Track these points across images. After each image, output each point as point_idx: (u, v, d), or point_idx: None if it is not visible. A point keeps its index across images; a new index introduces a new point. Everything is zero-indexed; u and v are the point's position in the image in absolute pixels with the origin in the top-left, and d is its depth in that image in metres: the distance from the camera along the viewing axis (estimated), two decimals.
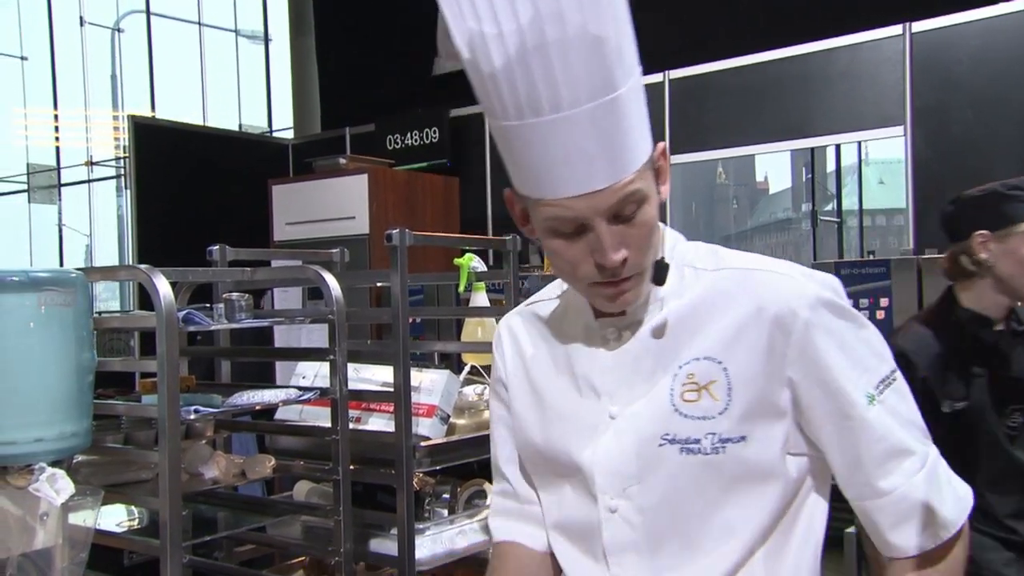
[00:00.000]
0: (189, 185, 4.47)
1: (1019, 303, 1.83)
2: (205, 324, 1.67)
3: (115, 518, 2.01)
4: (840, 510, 1.05)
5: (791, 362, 0.92)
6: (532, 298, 1.14)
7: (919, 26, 3.20)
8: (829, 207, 8.16)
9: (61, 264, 9.47)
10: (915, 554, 0.94)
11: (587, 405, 0.99)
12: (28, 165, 10.66)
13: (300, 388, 1.93)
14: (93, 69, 9.69)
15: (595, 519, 0.98)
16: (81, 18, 9.55)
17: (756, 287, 0.94)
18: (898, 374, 0.96)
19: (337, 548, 1.84)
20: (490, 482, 2.23)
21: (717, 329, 0.94)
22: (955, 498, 0.95)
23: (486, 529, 2.15)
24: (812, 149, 6.36)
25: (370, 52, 5.14)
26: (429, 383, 2.07)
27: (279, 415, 2.19)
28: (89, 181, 9.97)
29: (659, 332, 0.96)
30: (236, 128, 8.23)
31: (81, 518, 1.40)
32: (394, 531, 1.96)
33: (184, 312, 1.65)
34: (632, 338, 0.98)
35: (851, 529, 2.73)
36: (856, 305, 2.85)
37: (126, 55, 9.61)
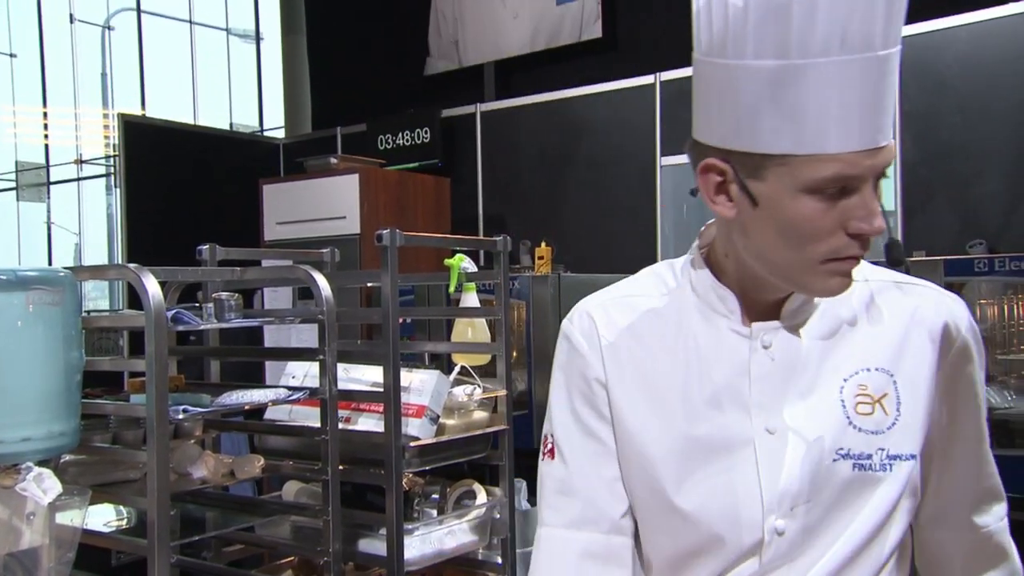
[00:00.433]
0: (179, 184, 4.45)
1: None
2: (194, 324, 1.67)
3: (103, 518, 2.00)
4: None
5: (945, 378, 0.91)
6: (618, 291, 0.99)
7: (908, 30, 3.21)
8: None
9: (50, 263, 9.42)
10: None
11: (731, 419, 0.89)
12: (17, 163, 10.60)
13: (289, 388, 1.93)
14: (83, 67, 9.65)
15: (741, 545, 0.88)
16: (71, 15, 9.51)
17: (916, 300, 0.92)
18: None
19: (326, 548, 1.84)
20: (480, 482, 2.25)
21: (882, 339, 0.90)
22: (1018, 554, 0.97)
23: (475, 529, 2.16)
24: None
25: (362, 52, 5.14)
26: (419, 383, 2.07)
27: (268, 415, 2.19)
28: (79, 179, 9.92)
29: (817, 340, 0.90)
30: (227, 127, 8.21)
31: (68, 518, 1.39)
32: (383, 531, 1.97)
33: (173, 311, 1.65)
34: (789, 344, 0.90)
35: None
36: None
37: (116, 53, 9.57)
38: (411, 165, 4.35)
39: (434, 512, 2.11)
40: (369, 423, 2.07)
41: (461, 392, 2.16)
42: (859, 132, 0.77)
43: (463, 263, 2.28)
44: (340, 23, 5.31)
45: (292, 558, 2.24)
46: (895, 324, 0.91)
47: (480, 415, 2.21)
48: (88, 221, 10.06)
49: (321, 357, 1.87)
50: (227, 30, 9.52)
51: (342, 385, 2.04)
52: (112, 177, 9.45)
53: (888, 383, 0.89)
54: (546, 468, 0.98)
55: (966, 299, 2.85)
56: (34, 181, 10.34)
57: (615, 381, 0.94)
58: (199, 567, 2.05)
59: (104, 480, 1.79)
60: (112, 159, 9.14)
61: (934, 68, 3.16)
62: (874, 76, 0.77)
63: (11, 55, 10.48)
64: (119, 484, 1.82)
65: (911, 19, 3.14)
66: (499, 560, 2.22)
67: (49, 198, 10.23)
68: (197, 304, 1.82)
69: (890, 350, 0.90)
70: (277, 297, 4.04)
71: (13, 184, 10.60)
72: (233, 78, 9.41)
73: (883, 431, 0.88)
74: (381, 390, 1.97)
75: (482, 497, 2.18)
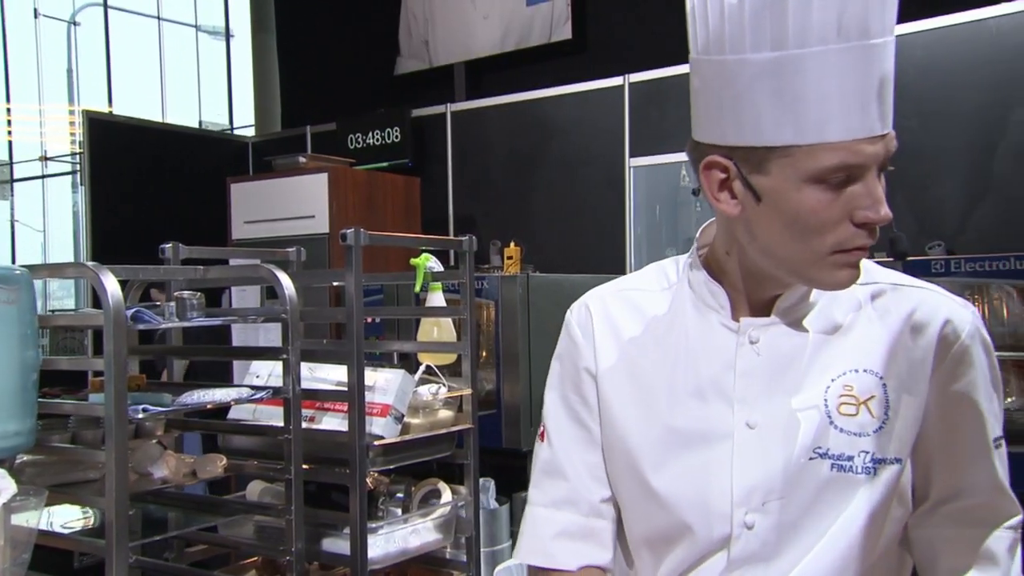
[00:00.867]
0: (146, 182, 4.41)
1: None
2: (155, 322, 1.66)
3: (66, 519, 1.98)
4: None
5: (938, 383, 0.89)
6: (621, 284, 1.01)
7: None
8: None
9: (13, 261, 9.25)
10: None
11: (714, 412, 0.90)
12: None
13: (252, 387, 1.92)
14: (49, 63, 9.49)
15: (714, 535, 0.89)
16: (35, 10, 9.34)
17: (914, 303, 0.89)
18: (1004, 443, 0.93)
19: (288, 547, 1.84)
20: (445, 481, 2.25)
21: (874, 341, 0.89)
22: (1019, 573, 0.92)
23: (440, 528, 2.17)
24: None
25: (332, 51, 5.12)
26: (384, 382, 2.07)
27: (232, 415, 2.18)
28: (43, 177, 9.76)
29: (807, 339, 0.89)
30: (196, 125, 8.12)
31: (24, 519, 1.38)
32: (347, 530, 1.97)
33: (133, 310, 1.63)
34: (778, 342, 0.90)
35: None
36: None
37: (83, 49, 9.42)
38: (381, 164, 4.35)
39: (399, 511, 2.12)
40: (333, 422, 2.07)
41: (426, 391, 2.16)
42: (860, 120, 0.78)
43: (429, 263, 2.29)
44: (310, 22, 5.29)
45: (256, 558, 2.23)
46: (890, 326, 0.89)
47: (445, 414, 2.21)
48: (54, 219, 9.90)
49: (284, 356, 1.87)
50: (196, 27, 9.41)
51: (307, 384, 2.04)
52: (78, 175, 9.30)
53: (877, 385, 0.88)
54: (537, 450, 1.02)
55: None
56: None
57: (604, 371, 0.96)
58: (161, 568, 2.03)
59: (63, 480, 1.77)
60: (78, 156, 9.00)
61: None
62: (871, 64, 0.77)
63: None
64: (79, 484, 1.80)
65: None
66: (464, 558, 2.23)
67: (13, 195, 10.04)
68: (157, 303, 1.81)
69: (882, 352, 0.88)
70: (245, 296, 4.02)
71: None
72: (203, 76, 9.32)
73: (868, 433, 0.87)
74: (345, 389, 1.97)
75: (447, 496, 2.19)
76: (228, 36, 8.11)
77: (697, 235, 1.00)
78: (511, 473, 3.16)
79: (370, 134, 4.43)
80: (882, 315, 0.90)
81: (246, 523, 2.14)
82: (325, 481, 2.06)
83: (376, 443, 1.98)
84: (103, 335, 1.52)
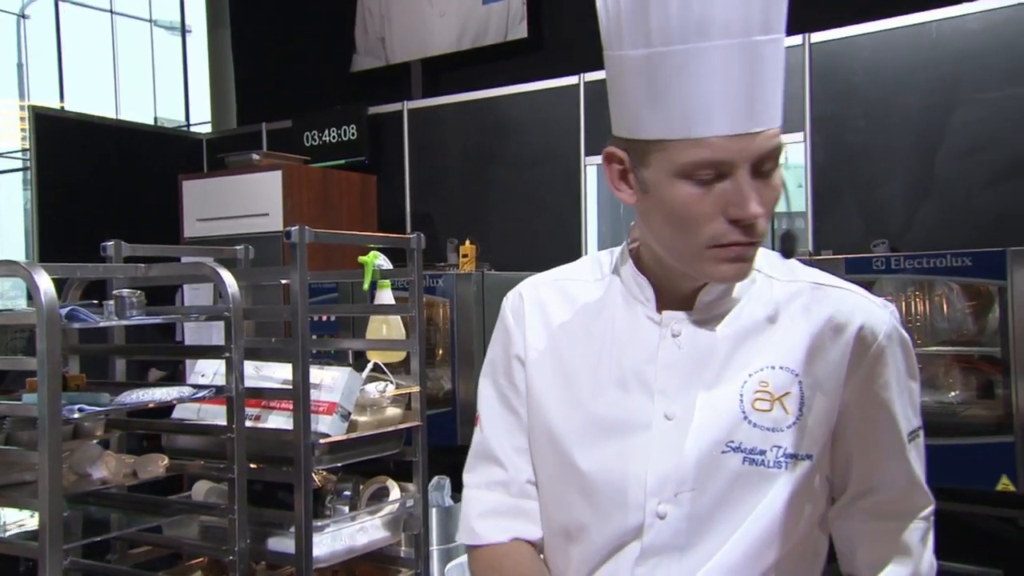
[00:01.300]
0: (96, 180, 4.32)
1: None
2: (91, 321, 1.64)
3: (14, 520, 1.95)
4: None
5: (854, 383, 0.90)
6: (556, 273, 1.04)
7: (818, 36, 3.34)
8: None
9: None
10: None
11: (634, 402, 0.91)
12: None
13: (195, 386, 1.90)
14: None
15: (629, 523, 0.90)
16: None
17: (834, 303, 0.91)
18: (922, 433, 0.96)
19: (232, 547, 1.83)
20: (393, 479, 2.25)
21: (793, 340, 0.90)
22: (931, 561, 0.96)
23: (388, 525, 2.17)
24: None
25: (288, 47, 5.07)
26: (330, 380, 2.06)
27: (177, 414, 2.16)
28: None
29: (728, 334, 0.91)
30: (151, 122, 7.99)
31: None
32: (293, 529, 1.96)
33: (68, 308, 1.61)
34: (698, 336, 0.92)
35: None
36: None
37: (33, 43, 9.21)
38: (338, 162, 4.32)
39: (346, 509, 2.11)
40: (279, 421, 2.05)
41: (374, 389, 2.16)
42: (725, 117, 0.79)
43: (377, 260, 2.28)
44: (266, 17, 5.24)
45: (202, 558, 2.20)
46: (810, 325, 0.90)
47: (394, 412, 2.21)
48: (5, 217, 9.67)
49: (227, 355, 1.85)
50: (151, 21, 9.26)
51: (254, 383, 2.02)
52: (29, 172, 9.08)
53: (792, 383, 0.89)
54: (473, 434, 1.07)
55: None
56: None
57: (532, 358, 0.98)
58: (100, 570, 2.00)
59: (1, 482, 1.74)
60: (28, 153, 8.80)
61: (841, 74, 3.29)
62: (740, 62, 0.78)
63: None
64: (15, 486, 1.77)
65: (819, 27, 3.22)
66: (412, 555, 2.23)
67: None
68: (95, 301, 1.78)
69: (800, 350, 0.90)
70: (199, 295, 3.96)
71: None
72: (160, 72, 9.16)
73: (781, 429, 0.88)
74: (290, 388, 1.96)
75: (395, 493, 2.19)
76: (184, 31, 7.99)
77: (631, 227, 1.02)
78: None
79: (326, 131, 4.40)
80: (802, 314, 0.91)
81: (191, 523, 2.12)
82: (271, 480, 2.04)
83: (321, 441, 1.97)
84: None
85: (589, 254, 1.06)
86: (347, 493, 2.15)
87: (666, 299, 0.94)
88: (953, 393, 2.83)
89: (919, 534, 0.95)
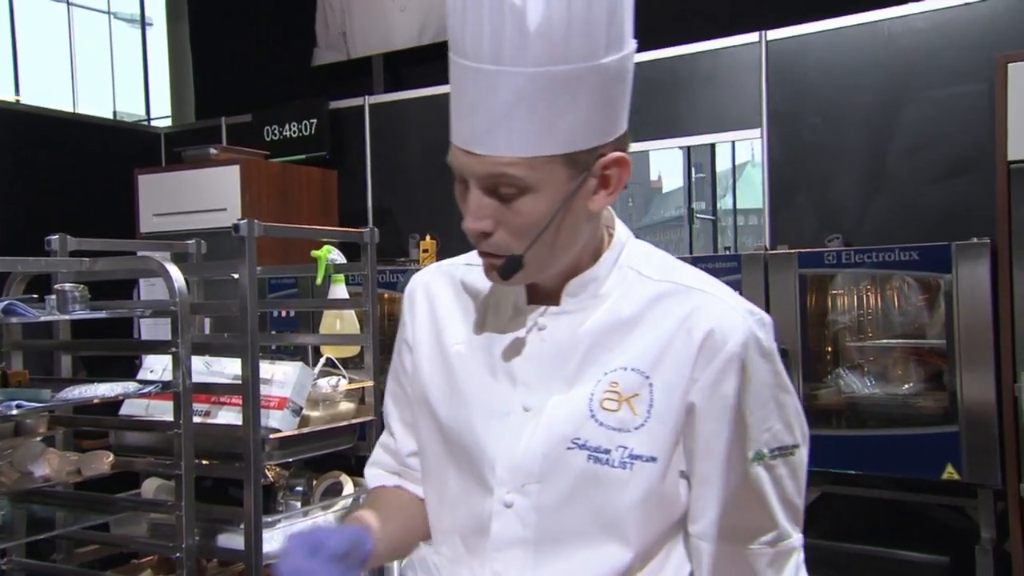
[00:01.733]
0: (51, 174, 4.24)
1: None
2: (30, 316, 1.61)
3: None
4: None
5: (700, 389, 0.88)
6: (455, 259, 1.05)
7: (773, 34, 3.38)
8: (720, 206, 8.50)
9: None
10: None
11: (500, 390, 0.93)
12: None
13: (142, 382, 1.88)
14: None
15: (484, 508, 0.92)
16: None
17: (692, 307, 0.90)
18: (800, 452, 0.92)
19: (178, 544, 1.81)
20: (348, 474, 2.24)
21: (648, 341, 0.90)
22: None
23: (342, 520, 2.16)
24: (688, 148, 6.60)
25: (247, 40, 5.01)
26: (281, 375, 2.05)
27: (125, 410, 2.13)
28: None
29: (590, 331, 0.91)
30: (111, 116, 7.85)
31: None
32: (243, 525, 1.94)
33: (5, 303, 1.58)
34: (561, 331, 0.92)
35: None
36: None
37: None
38: (298, 157, 4.28)
39: (299, 504, 2.10)
40: (229, 416, 2.03)
41: (326, 384, 2.15)
42: (460, 130, 0.85)
43: (331, 254, 2.27)
44: (226, 10, 5.17)
45: (152, 556, 2.18)
46: (665, 327, 0.90)
47: (347, 406, 2.21)
48: None
49: (174, 350, 1.83)
50: (109, 13, 9.09)
51: (204, 379, 2.00)
52: None
53: (643, 385, 0.89)
54: None
55: (827, 289, 3.05)
56: None
57: (418, 342, 1.02)
58: (47, 569, 1.97)
59: None
60: None
61: (795, 72, 3.34)
62: (483, 84, 0.82)
63: None
64: None
65: (775, 24, 3.25)
66: None
67: None
68: (35, 296, 1.75)
69: (653, 352, 0.89)
70: (155, 290, 3.91)
71: None
72: (120, 65, 9.00)
73: (628, 430, 0.88)
74: (239, 383, 1.94)
75: (349, 488, 2.19)
76: (144, 24, 7.86)
77: None
78: None
79: (286, 126, 4.36)
80: (664, 316, 0.91)
81: (140, 521, 2.09)
82: (220, 476, 2.03)
83: (272, 436, 1.96)
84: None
85: None
86: (300, 488, 2.14)
87: (539, 291, 0.95)
88: (907, 385, 2.90)
89: (765, 559, 0.91)
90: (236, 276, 1.95)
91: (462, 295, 1.01)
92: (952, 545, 2.70)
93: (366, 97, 4.29)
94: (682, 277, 0.94)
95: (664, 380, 0.89)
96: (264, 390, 1.98)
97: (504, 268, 0.88)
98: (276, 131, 4.39)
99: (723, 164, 8.81)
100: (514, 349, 0.94)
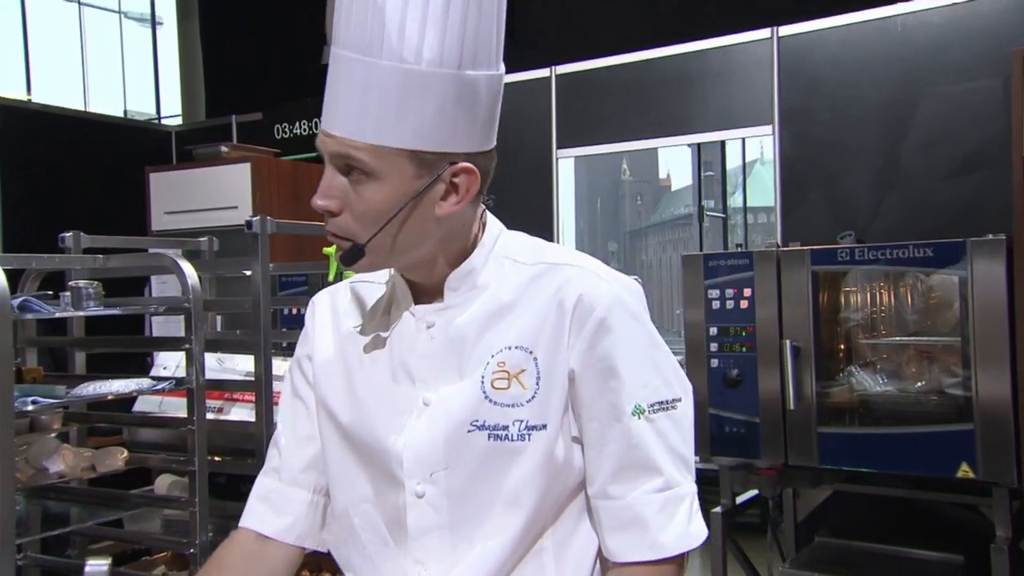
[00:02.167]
0: (64, 172, 4.27)
1: None
2: (45, 312, 1.61)
3: None
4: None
5: (577, 354, 0.94)
6: (358, 276, 1.09)
7: (786, 30, 3.37)
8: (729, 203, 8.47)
9: None
10: (625, 562, 0.95)
11: (400, 391, 0.98)
12: None
13: (155, 378, 1.89)
14: None
15: (398, 503, 0.97)
16: None
17: (561, 280, 0.96)
18: (683, 405, 0.97)
19: (192, 540, 1.81)
20: None
21: (527, 319, 0.96)
22: (684, 532, 0.95)
23: None
24: (698, 145, 6.59)
25: (258, 39, 5.02)
26: None
27: (138, 407, 2.14)
28: None
29: (474, 320, 0.97)
30: (121, 114, 7.89)
31: None
32: None
33: (20, 299, 1.58)
34: (449, 325, 0.98)
35: (717, 509, 2.86)
36: (722, 295, 2.98)
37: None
38: (309, 155, 4.29)
39: None
40: (242, 413, 2.04)
41: None
42: (325, 113, 0.91)
43: None
44: (235, 8, 5.19)
45: (166, 552, 2.19)
46: (540, 303, 0.96)
47: None
48: None
49: (187, 346, 1.84)
50: (120, 12, 9.13)
51: (218, 375, 2.01)
52: None
53: (527, 360, 0.95)
54: None
55: (840, 286, 3.03)
56: None
57: (318, 353, 1.06)
58: (61, 565, 1.98)
59: None
60: None
61: (808, 68, 3.32)
62: (345, 71, 0.88)
63: None
64: None
65: (787, 20, 3.23)
66: None
67: None
68: (50, 292, 1.76)
69: (532, 328, 0.95)
70: (167, 287, 3.92)
71: None
72: (131, 63, 9.04)
73: (521, 404, 0.94)
74: (252, 379, 1.95)
75: None
76: (154, 23, 7.89)
77: None
78: None
79: (297, 124, 4.37)
80: (538, 293, 0.97)
81: (154, 517, 2.10)
82: (233, 472, 2.03)
83: None
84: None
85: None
86: None
87: (425, 290, 1.00)
88: (920, 383, 2.87)
89: (655, 506, 0.95)
90: (248, 273, 1.95)
91: (361, 309, 1.05)
92: (967, 544, 2.68)
93: None
94: (552, 256, 1.00)
95: (546, 351, 0.95)
96: (276, 386, 1.98)
97: (347, 254, 0.93)
98: (286, 129, 4.40)
99: (733, 162, 8.79)
100: (410, 350, 0.99)
